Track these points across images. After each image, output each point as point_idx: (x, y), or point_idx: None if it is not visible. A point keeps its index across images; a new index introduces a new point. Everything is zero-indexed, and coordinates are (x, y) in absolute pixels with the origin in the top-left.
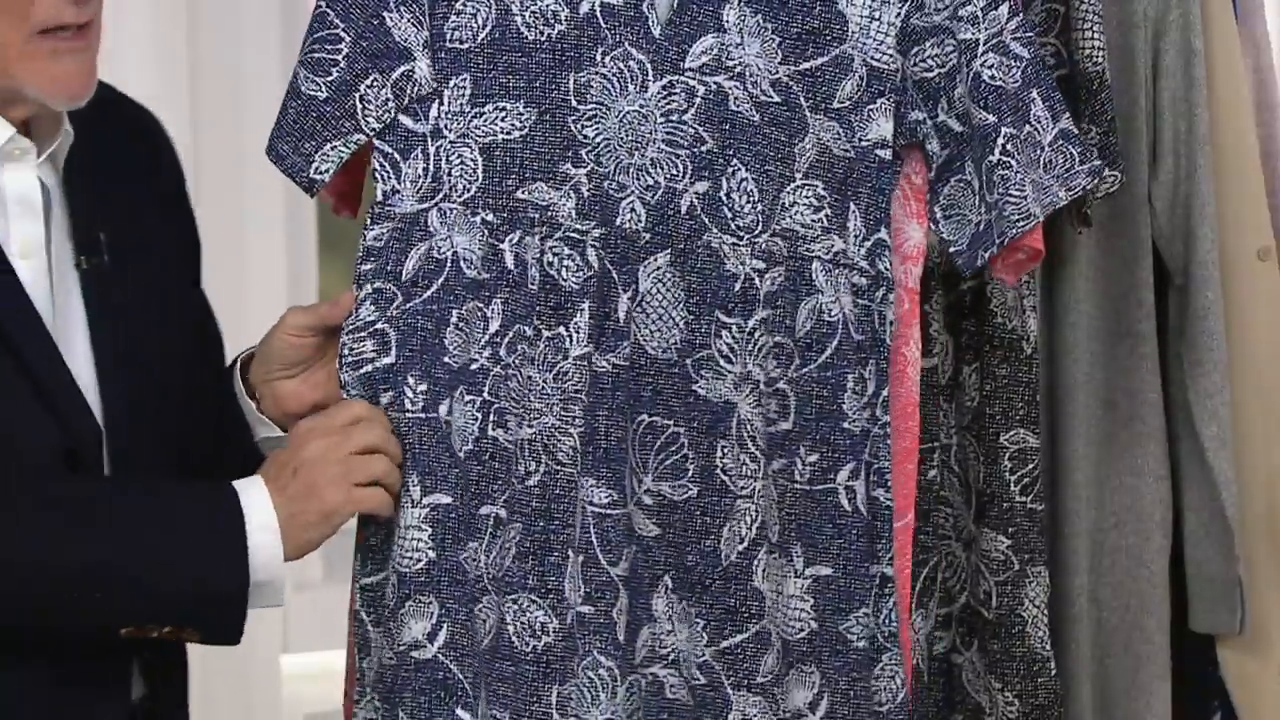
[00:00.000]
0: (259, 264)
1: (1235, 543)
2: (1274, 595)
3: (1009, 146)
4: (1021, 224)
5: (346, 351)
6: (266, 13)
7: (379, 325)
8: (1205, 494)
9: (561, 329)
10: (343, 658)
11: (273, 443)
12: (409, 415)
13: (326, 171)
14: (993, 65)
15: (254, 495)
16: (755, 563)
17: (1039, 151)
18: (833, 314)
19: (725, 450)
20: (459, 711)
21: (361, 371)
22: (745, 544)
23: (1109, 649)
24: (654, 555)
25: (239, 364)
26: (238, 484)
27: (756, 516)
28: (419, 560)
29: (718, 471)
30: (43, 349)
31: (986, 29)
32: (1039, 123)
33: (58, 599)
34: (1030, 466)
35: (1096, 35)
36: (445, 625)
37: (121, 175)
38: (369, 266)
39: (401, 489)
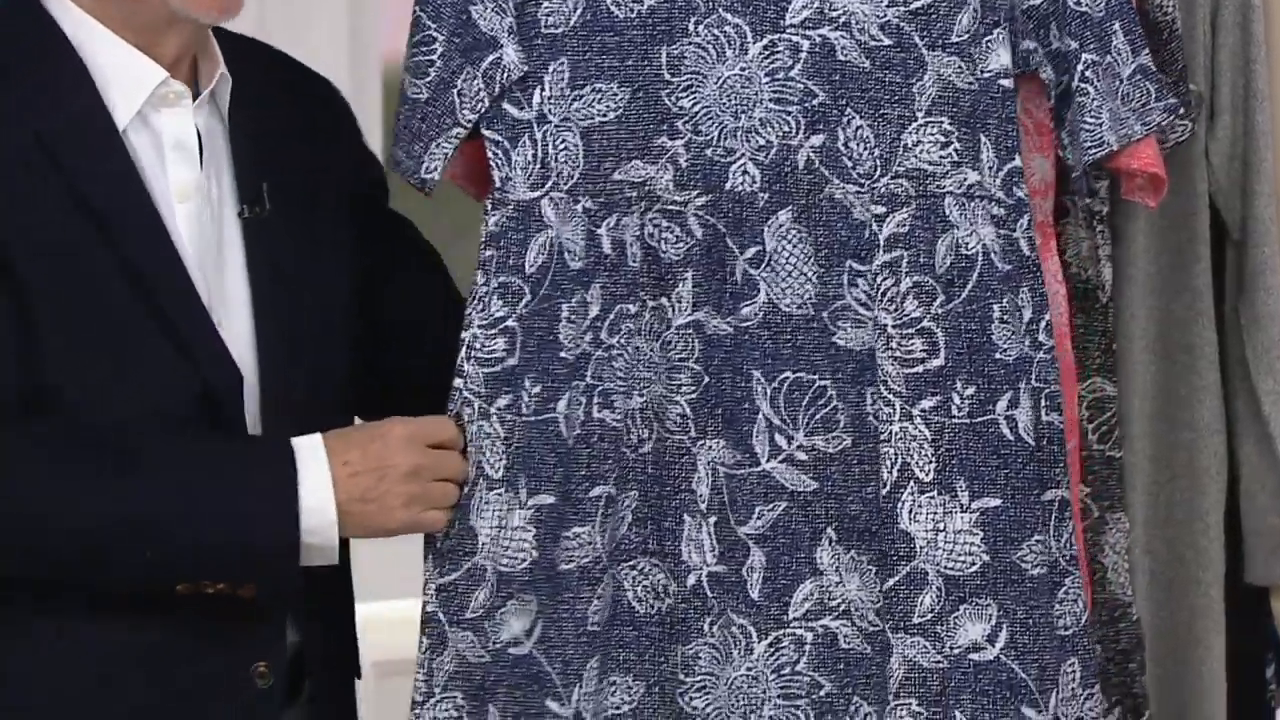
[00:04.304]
0: None
1: None
2: None
3: (1088, 73)
4: (1094, 150)
5: (479, 346)
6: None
7: (509, 323)
8: (1261, 447)
9: (664, 299)
10: (408, 606)
11: None
12: (522, 418)
13: (435, 170)
14: None
15: (314, 460)
16: (900, 505)
17: (1118, 83)
18: (970, 247)
19: (875, 397)
20: (548, 703)
21: (489, 371)
22: (888, 488)
23: (1164, 601)
24: (813, 509)
25: None
26: (296, 444)
27: (896, 459)
28: (523, 560)
29: (869, 419)
30: (182, 294)
31: None
32: (1119, 54)
33: (105, 554)
34: (1107, 415)
35: None
36: (540, 620)
37: (291, 132)
38: (490, 253)
39: (508, 489)
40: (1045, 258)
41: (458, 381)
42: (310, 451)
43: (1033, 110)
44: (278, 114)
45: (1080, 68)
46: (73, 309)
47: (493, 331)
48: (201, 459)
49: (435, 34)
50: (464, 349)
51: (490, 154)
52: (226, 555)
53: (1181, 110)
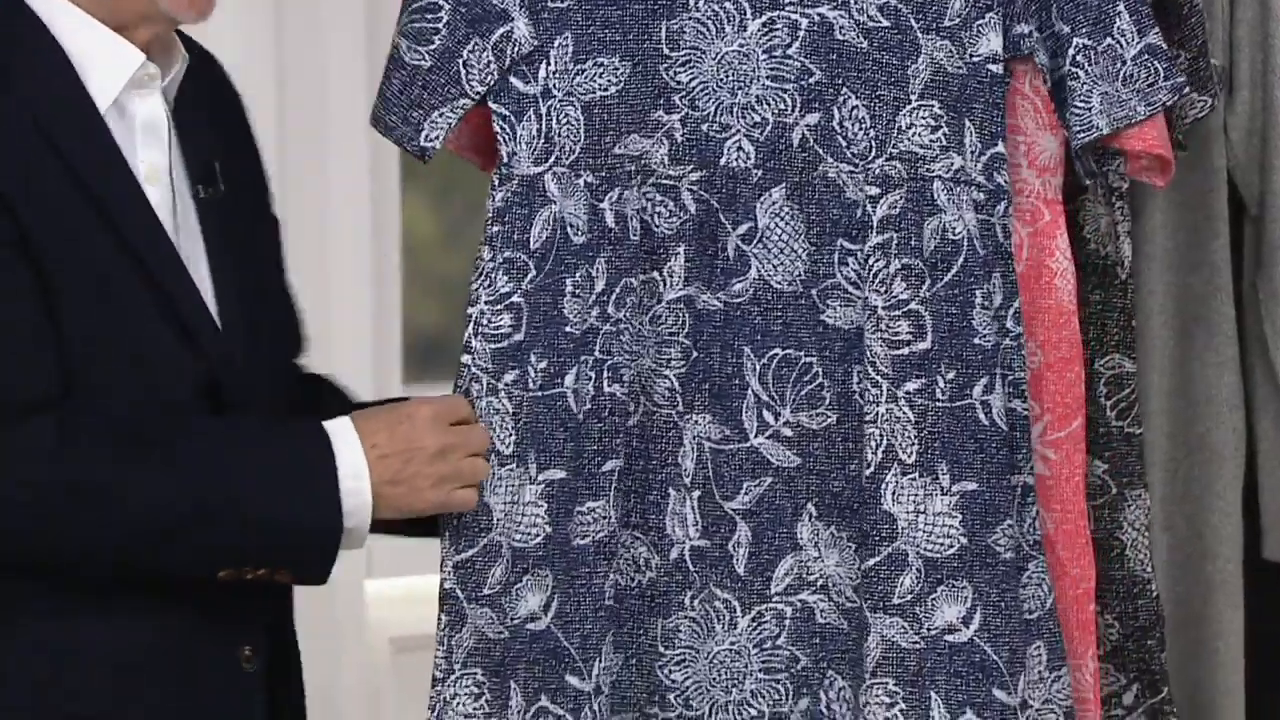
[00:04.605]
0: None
1: None
2: None
3: (1079, 58)
4: (1082, 135)
5: (485, 322)
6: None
7: (515, 299)
8: None
9: (656, 274)
10: (425, 582)
11: None
12: (530, 394)
13: (437, 138)
14: None
15: (347, 445)
16: (884, 486)
17: (1119, 65)
18: (956, 232)
19: (861, 375)
20: (568, 678)
21: (496, 346)
22: (872, 468)
23: (1182, 577)
24: (796, 485)
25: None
26: (329, 428)
27: (881, 440)
28: (536, 535)
29: (855, 397)
30: (181, 280)
31: None
32: (1122, 36)
33: (170, 538)
34: (1126, 391)
35: None
36: (557, 596)
37: (221, 111)
38: (496, 229)
39: (518, 465)
40: (1054, 234)
41: (465, 358)
42: (343, 435)
43: (1040, 88)
44: (206, 95)
45: (1071, 52)
46: (86, 296)
47: (499, 307)
48: (246, 444)
49: (441, 1)
50: (470, 325)
51: (496, 128)
52: (276, 540)
53: (1189, 88)
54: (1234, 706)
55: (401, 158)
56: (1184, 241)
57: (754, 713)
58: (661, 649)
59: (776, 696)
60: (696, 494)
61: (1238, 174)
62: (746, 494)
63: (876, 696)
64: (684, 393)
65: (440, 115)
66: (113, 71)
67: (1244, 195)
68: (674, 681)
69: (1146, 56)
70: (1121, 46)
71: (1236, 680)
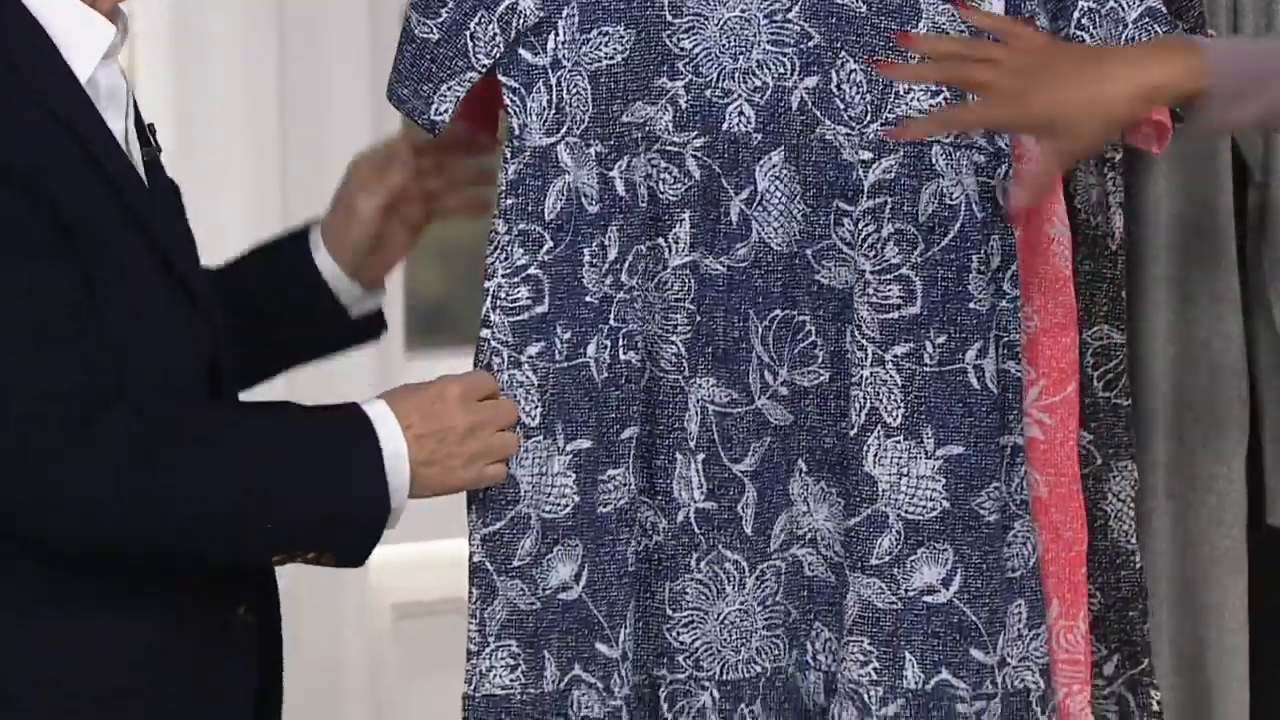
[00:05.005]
0: None
1: None
2: None
3: (1084, 20)
4: None
5: (503, 295)
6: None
7: (532, 270)
8: None
9: (661, 240)
10: (427, 549)
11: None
12: (556, 365)
13: (446, 112)
14: None
15: (386, 428)
16: (865, 448)
17: (1121, 29)
18: (954, 197)
19: (853, 335)
20: (598, 645)
21: (516, 319)
22: (855, 430)
23: (1186, 544)
24: (788, 442)
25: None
26: (369, 412)
27: (865, 403)
28: (566, 506)
29: (847, 356)
30: (189, 254)
31: None
32: None
33: (243, 525)
34: (1114, 362)
35: None
36: (587, 565)
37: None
38: (510, 201)
39: (546, 436)
40: (1051, 201)
41: (484, 332)
42: (382, 419)
43: None
44: None
45: (1077, 15)
46: (113, 281)
47: (515, 280)
48: (296, 432)
49: None
50: (489, 299)
51: (507, 100)
52: (330, 525)
53: None
54: (1238, 673)
55: None
56: (1187, 208)
57: (758, 669)
58: (669, 612)
59: (776, 652)
60: (701, 457)
61: (1241, 140)
62: (753, 455)
63: (852, 654)
64: (689, 357)
65: (449, 89)
66: (88, 45)
67: (1248, 161)
68: (682, 643)
69: (1147, 19)
70: (1123, 9)
71: (1241, 647)
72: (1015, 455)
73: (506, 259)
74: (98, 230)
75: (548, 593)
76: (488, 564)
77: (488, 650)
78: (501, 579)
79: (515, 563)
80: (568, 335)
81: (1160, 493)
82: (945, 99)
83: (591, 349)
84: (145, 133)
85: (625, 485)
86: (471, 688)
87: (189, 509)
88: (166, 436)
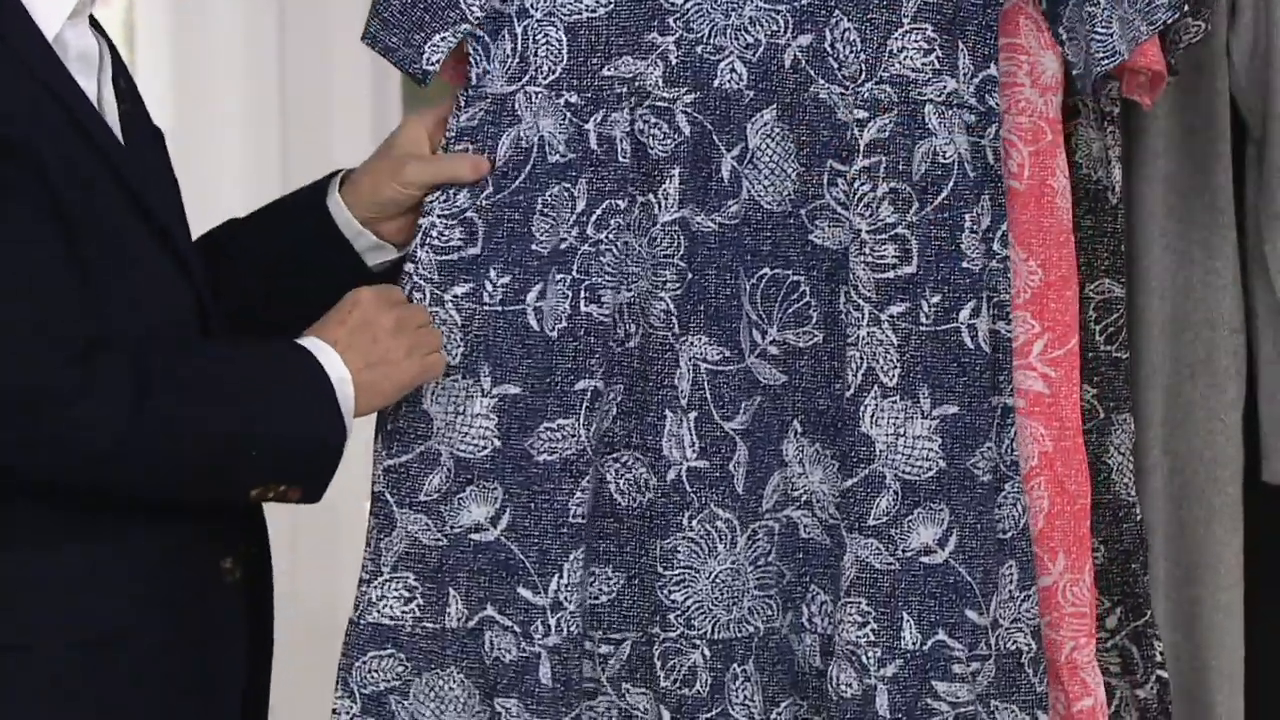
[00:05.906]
0: None
1: None
2: None
3: None
4: (1106, 61)
5: (435, 234)
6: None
7: (469, 214)
8: None
9: (651, 195)
10: None
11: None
12: (485, 308)
13: (438, 61)
14: None
15: (328, 355)
16: (863, 408)
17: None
18: (947, 155)
19: (847, 295)
20: (521, 590)
21: (444, 258)
22: (852, 390)
23: (1182, 500)
24: (782, 402)
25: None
26: (304, 343)
27: (862, 363)
28: (484, 448)
29: (841, 316)
30: (171, 206)
31: None
32: None
33: (235, 460)
34: (1115, 316)
35: None
36: (509, 509)
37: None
38: (461, 147)
39: (466, 376)
40: (1055, 154)
41: (409, 267)
42: (319, 348)
43: (1042, 4)
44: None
45: None
46: (97, 236)
47: (452, 221)
48: (256, 368)
49: None
50: (420, 235)
51: (470, 49)
52: (299, 457)
53: (1188, 7)
54: (1233, 629)
55: None
56: (1185, 164)
57: (751, 629)
58: (661, 569)
59: (769, 613)
60: (693, 415)
61: (1240, 96)
62: (745, 413)
63: (849, 615)
64: (679, 315)
65: (441, 39)
66: (54, 4)
67: (1246, 117)
68: (674, 601)
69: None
70: None
71: (1236, 602)
72: (1006, 416)
73: (447, 200)
74: (76, 185)
75: (457, 531)
76: (388, 495)
77: (380, 580)
78: (403, 511)
79: (421, 497)
80: (505, 280)
81: (1157, 449)
82: (938, 58)
83: (531, 296)
84: (122, 92)
85: (574, 436)
86: (357, 614)
87: (187, 446)
88: (160, 376)
